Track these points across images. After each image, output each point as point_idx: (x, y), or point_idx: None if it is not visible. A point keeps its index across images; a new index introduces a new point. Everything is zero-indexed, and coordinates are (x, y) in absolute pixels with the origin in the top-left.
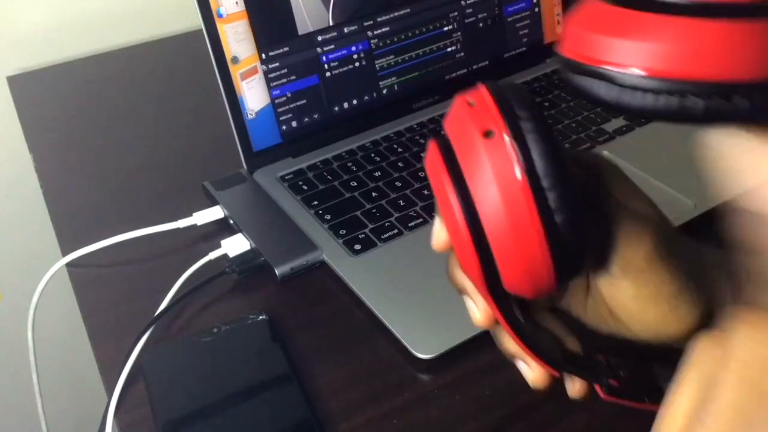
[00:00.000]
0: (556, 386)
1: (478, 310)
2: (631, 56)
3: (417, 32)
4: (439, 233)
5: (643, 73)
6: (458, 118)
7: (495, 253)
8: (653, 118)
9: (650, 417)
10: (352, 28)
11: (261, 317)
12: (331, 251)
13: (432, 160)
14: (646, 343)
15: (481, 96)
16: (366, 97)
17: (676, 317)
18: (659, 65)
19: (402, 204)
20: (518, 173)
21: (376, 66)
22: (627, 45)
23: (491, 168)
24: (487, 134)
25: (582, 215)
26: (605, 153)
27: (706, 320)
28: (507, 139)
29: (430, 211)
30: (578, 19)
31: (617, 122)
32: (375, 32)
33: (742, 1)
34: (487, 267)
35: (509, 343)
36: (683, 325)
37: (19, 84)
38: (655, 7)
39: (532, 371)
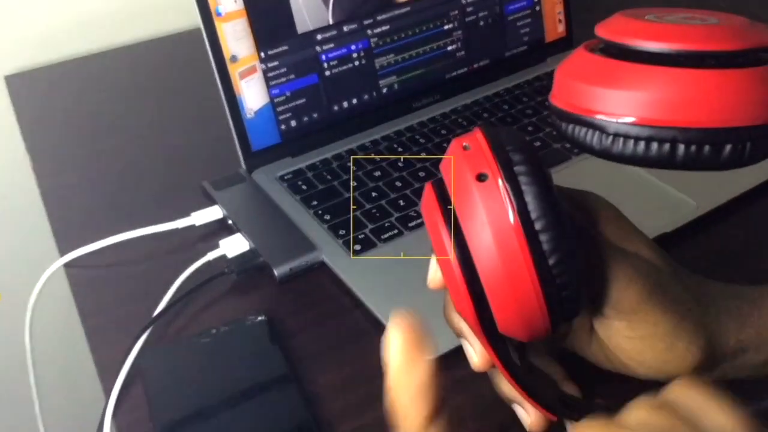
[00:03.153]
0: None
1: (475, 353)
2: (621, 106)
3: (417, 31)
4: (435, 272)
5: (632, 120)
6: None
7: (489, 297)
8: (645, 166)
9: None
10: (352, 26)
11: (260, 318)
12: (330, 251)
13: (428, 203)
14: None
15: (476, 139)
16: (366, 96)
17: (674, 355)
18: (648, 114)
19: (402, 204)
20: (511, 217)
21: (376, 65)
22: (617, 95)
23: (484, 211)
24: (481, 177)
25: (576, 258)
26: None
27: (709, 354)
28: (500, 182)
29: None
30: (568, 69)
31: None
32: (375, 31)
33: (727, 49)
34: (481, 311)
35: (506, 387)
36: (683, 361)
37: (18, 84)
38: (643, 57)
39: (529, 415)
